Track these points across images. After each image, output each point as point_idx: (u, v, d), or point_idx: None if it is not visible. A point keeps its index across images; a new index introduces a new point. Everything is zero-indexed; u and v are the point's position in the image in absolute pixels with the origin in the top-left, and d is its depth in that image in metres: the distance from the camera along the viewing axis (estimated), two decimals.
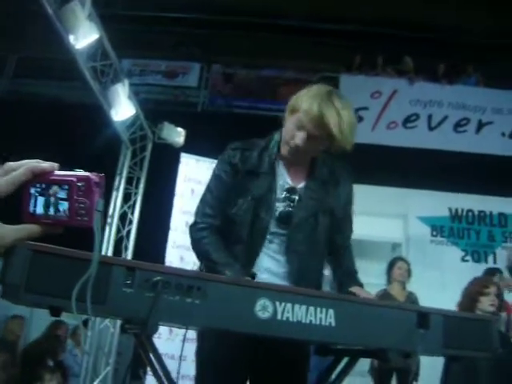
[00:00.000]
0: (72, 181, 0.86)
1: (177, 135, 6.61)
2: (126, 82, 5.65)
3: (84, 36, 4.82)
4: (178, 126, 6.88)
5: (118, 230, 6.42)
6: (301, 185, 2.32)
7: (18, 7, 7.86)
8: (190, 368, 3.01)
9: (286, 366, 2.24)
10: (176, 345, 4.88)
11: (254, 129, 2.50)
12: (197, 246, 2.29)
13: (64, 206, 0.86)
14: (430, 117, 8.48)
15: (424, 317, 1.94)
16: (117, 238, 6.31)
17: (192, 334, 2.06)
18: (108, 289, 1.61)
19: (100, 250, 0.92)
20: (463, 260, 7.68)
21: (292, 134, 2.21)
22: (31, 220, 0.86)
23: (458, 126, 8.48)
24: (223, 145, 2.42)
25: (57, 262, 1.57)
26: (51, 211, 0.85)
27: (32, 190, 0.86)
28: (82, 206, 0.85)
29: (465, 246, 7.78)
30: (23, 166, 0.86)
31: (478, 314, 3.85)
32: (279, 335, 1.75)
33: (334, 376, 2.21)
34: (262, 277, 2.19)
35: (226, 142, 2.42)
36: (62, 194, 0.85)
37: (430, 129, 8.43)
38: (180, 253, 5.39)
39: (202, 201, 2.36)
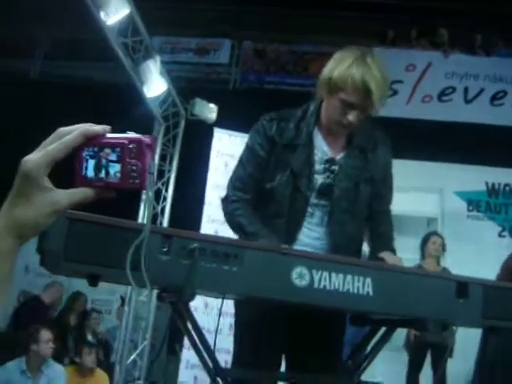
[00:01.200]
0: (124, 143, 0.85)
1: (209, 111, 6.61)
2: (158, 58, 5.64)
3: (115, 11, 4.82)
4: (210, 102, 6.87)
5: (153, 208, 6.47)
6: (340, 155, 2.29)
7: None
8: (225, 341, 3.04)
9: (321, 335, 2.23)
10: (212, 318, 4.92)
11: (286, 104, 2.46)
12: (230, 218, 2.29)
13: (115, 168, 0.85)
14: (465, 90, 8.29)
15: (463, 286, 1.91)
16: (152, 214, 6.36)
17: (227, 307, 2.06)
18: (145, 256, 1.62)
19: (151, 213, 0.92)
20: (500, 235, 7.55)
21: (341, 111, 2.16)
22: (84, 184, 0.85)
23: (495, 98, 8.28)
24: (255, 120, 2.39)
25: (94, 229, 1.58)
26: (102, 174, 0.85)
27: (84, 154, 0.85)
28: (134, 168, 0.84)
29: (502, 221, 7.63)
30: (76, 130, 0.85)
31: None
32: (316, 303, 1.75)
33: (369, 347, 2.21)
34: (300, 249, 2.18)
35: (258, 118, 2.38)
36: (113, 157, 0.85)
37: (466, 102, 8.26)
38: (215, 227, 5.40)
39: (234, 174, 2.35)
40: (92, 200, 0.85)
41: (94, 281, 1.67)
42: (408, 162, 6.65)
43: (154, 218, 6.33)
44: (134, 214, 6.13)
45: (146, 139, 0.86)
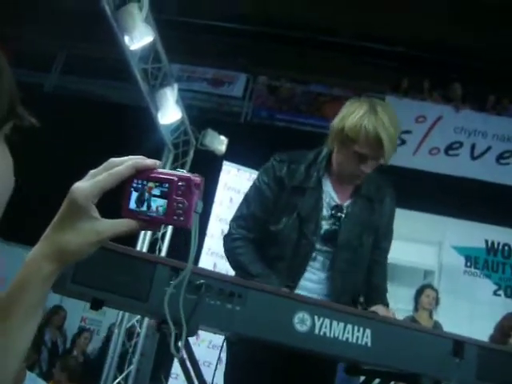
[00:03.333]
0: (173, 180, 0.86)
1: (219, 143, 6.67)
2: (175, 86, 5.72)
3: (139, 38, 4.90)
4: (220, 134, 6.93)
5: (154, 232, 6.48)
6: (347, 202, 2.31)
7: (75, 5, 8.02)
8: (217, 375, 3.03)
9: (312, 380, 2.23)
10: (202, 350, 4.90)
11: (296, 143, 2.49)
12: (231, 256, 2.29)
13: (157, 203, 0.86)
14: (473, 146, 8.36)
15: (459, 345, 1.92)
16: (152, 240, 6.37)
17: (219, 341, 2.07)
18: (151, 287, 1.64)
19: (194, 253, 0.93)
20: (495, 294, 7.53)
21: (355, 162, 2.18)
22: (129, 215, 0.87)
23: (501, 157, 8.35)
24: (264, 156, 2.40)
25: (105, 255, 1.60)
26: (144, 208, 0.86)
27: (131, 186, 0.87)
28: (181, 205, 0.85)
29: (498, 280, 7.63)
30: (127, 162, 0.86)
31: None
32: (315, 350, 1.76)
33: None
34: (301, 293, 2.19)
35: (268, 154, 2.39)
36: (157, 192, 0.86)
37: (473, 158, 8.32)
38: (214, 260, 5.42)
39: (238, 212, 2.35)
40: (136, 232, 0.87)
41: (97, 305, 1.69)
42: (410, 212, 6.68)
43: (154, 243, 6.34)
44: (133, 240, 6.14)
45: (196, 178, 0.87)
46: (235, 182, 6.04)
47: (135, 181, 0.87)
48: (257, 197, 2.31)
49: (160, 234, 6.53)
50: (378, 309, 2.15)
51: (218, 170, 6.28)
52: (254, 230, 2.28)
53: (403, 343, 1.86)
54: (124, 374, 6.21)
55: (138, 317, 6.30)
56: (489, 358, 1.97)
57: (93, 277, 1.61)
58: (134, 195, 0.87)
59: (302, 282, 2.24)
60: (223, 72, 9.65)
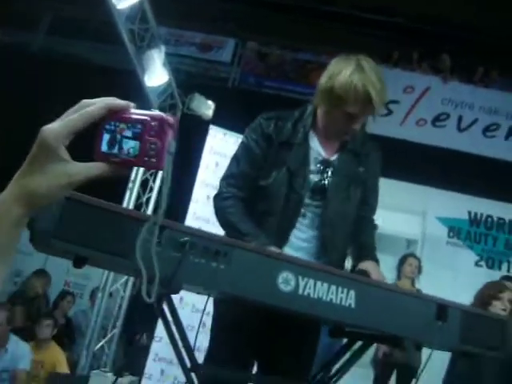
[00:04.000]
0: (146, 120, 0.83)
1: (206, 107, 6.60)
2: (163, 48, 5.63)
3: None
4: (207, 99, 6.86)
5: (138, 196, 6.44)
6: (334, 157, 2.32)
7: None
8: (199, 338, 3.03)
9: (295, 343, 2.25)
10: (186, 314, 4.91)
11: (283, 110, 2.48)
12: (221, 215, 2.29)
13: (129, 144, 0.83)
14: (460, 118, 8.36)
15: (443, 309, 1.93)
16: (136, 204, 6.33)
17: (201, 305, 2.06)
18: (134, 244, 1.62)
19: (167, 196, 0.90)
20: (477, 265, 7.62)
21: (345, 122, 2.19)
22: (101, 158, 0.83)
23: (488, 130, 8.36)
24: (251, 122, 2.40)
25: (89, 211, 1.58)
26: (115, 150, 0.83)
27: (103, 128, 0.84)
28: (153, 146, 0.83)
29: (480, 251, 7.71)
30: (99, 103, 0.83)
31: (494, 312, 3.82)
32: (299, 310, 1.76)
33: (343, 360, 2.22)
34: (290, 251, 2.19)
35: (254, 119, 2.40)
36: (129, 133, 0.83)
37: (459, 130, 8.33)
38: (199, 224, 5.38)
39: (228, 171, 2.35)
40: (108, 176, 0.84)
41: (79, 263, 1.67)
42: (395, 182, 6.69)
43: (139, 207, 6.31)
44: (119, 199, 6.11)
45: (169, 118, 0.85)
46: (221, 147, 5.98)
47: (107, 122, 0.84)
48: (245, 154, 2.30)
49: (145, 198, 6.50)
50: (370, 266, 2.16)
51: (204, 134, 6.22)
52: (244, 188, 2.28)
53: (387, 306, 1.87)
54: (107, 338, 6.23)
55: (122, 281, 6.30)
56: (472, 322, 1.99)
57: (76, 233, 1.58)
58: (106, 137, 0.84)
59: (293, 240, 2.24)
60: (212, 37, 9.53)
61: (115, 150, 0.83)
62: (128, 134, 0.83)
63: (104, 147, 0.83)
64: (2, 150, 7.59)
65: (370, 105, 2.12)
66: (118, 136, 0.83)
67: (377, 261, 2.26)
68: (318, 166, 2.28)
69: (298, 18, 9.48)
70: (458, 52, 8.68)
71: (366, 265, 2.17)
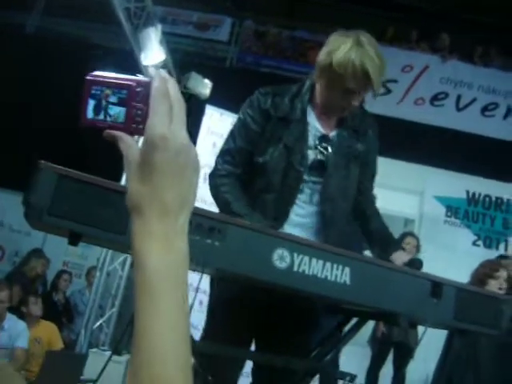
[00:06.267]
0: (131, 85, 0.80)
1: (203, 87, 6.53)
2: (159, 26, 5.59)
3: None
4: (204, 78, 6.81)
5: None
6: (332, 133, 2.30)
7: None
8: (193, 316, 3.05)
9: (293, 320, 2.25)
10: None
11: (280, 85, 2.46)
12: (216, 193, 2.27)
13: (114, 110, 0.81)
14: (458, 97, 8.34)
15: (438, 286, 1.94)
16: None
17: (201, 284, 2.06)
18: (129, 220, 1.61)
19: None
20: (474, 244, 7.65)
21: (342, 97, 2.18)
22: (87, 124, 0.81)
23: (486, 109, 8.34)
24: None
25: (83, 188, 1.57)
26: (101, 116, 0.81)
27: (90, 93, 0.81)
28: (139, 112, 0.79)
29: (478, 230, 7.73)
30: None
31: (490, 290, 3.83)
32: (294, 286, 1.76)
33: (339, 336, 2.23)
34: (288, 228, 2.19)
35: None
36: (114, 99, 0.80)
37: (458, 109, 8.31)
38: (196, 204, 5.35)
39: (224, 147, 2.32)
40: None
41: (74, 240, 1.67)
42: (392, 160, 6.68)
43: None
44: (117, 178, 6.09)
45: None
46: (218, 127, 5.93)
47: (92, 87, 0.82)
48: (242, 130, 2.28)
49: None
50: (399, 255, 2.20)
51: (201, 114, 6.19)
52: (240, 165, 2.26)
53: (382, 282, 1.87)
54: (106, 317, 6.26)
55: (120, 260, 6.32)
56: (466, 300, 1.99)
57: (70, 210, 1.57)
58: (92, 103, 0.81)
59: (292, 217, 2.23)
60: (209, 16, 9.46)
61: (101, 116, 0.81)
62: (114, 99, 0.81)
63: (90, 113, 0.82)
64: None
65: (369, 81, 2.11)
66: (104, 102, 0.81)
67: (403, 248, 2.30)
68: (317, 142, 2.26)
69: None
70: (457, 31, 8.63)
71: (395, 256, 2.21)
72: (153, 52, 5.76)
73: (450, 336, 3.83)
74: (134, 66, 5.96)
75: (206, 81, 6.48)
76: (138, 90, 0.80)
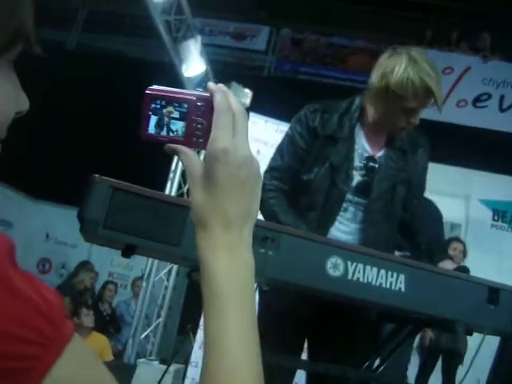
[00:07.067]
0: (192, 100, 0.81)
1: (244, 96, 6.57)
2: (199, 38, 5.64)
3: None
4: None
5: (180, 187, 6.48)
6: (380, 153, 2.28)
7: None
8: None
9: (345, 330, 2.22)
10: None
11: (320, 96, 2.44)
12: (264, 206, 2.26)
13: (176, 125, 0.82)
14: (501, 98, 8.19)
15: (495, 292, 1.89)
16: (177, 194, 6.38)
17: None
18: (183, 232, 1.63)
19: None
20: None
21: (403, 117, 2.16)
22: (149, 139, 0.83)
23: None
24: (289, 110, 2.38)
25: (135, 200, 1.59)
26: (164, 132, 0.82)
27: (150, 109, 0.82)
28: (199, 127, 0.81)
29: None
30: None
31: None
32: (348, 294, 1.74)
33: (393, 344, 2.20)
34: None
35: (292, 108, 2.37)
36: (176, 115, 0.82)
37: (501, 110, 8.15)
38: None
39: (272, 163, 2.32)
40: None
41: (128, 252, 1.68)
42: (436, 165, 6.50)
43: (180, 197, 6.35)
44: (160, 190, 6.16)
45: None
46: (263, 134, 5.91)
47: (153, 101, 0.83)
48: (290, 147, 2.28)
49: (186, 189, 6.53)
50: (445, 265, 2.20)
51: None
52: (287, 182, 2.27)
53: (437, 289, 1.84)
54: (152, 327, 6.31)
55: (166, 270, 6.37)
56: None
57: (124, 223, 1.59)
58: (154, 118, 0.82)
59: (333, 232, 2.22)
60: (246, 25, 9.52)
61: (162, 131, 0.82)
62: (175, 114, 0.82)
63: (152, 129, 0.83)
64: (45, 144, 7.74)
65: (431, 97, 2.09)
66: (166, 117, 0.82)
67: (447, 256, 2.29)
68: (364, 162, 2.24)
69: (329, 2, 9.40)
70: (498, 30, 8.48)
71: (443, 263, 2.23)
72: (194, 63, 5.81)
73: (504, 343, 3.73)
74: (173, 79, 6.04)
75: (247, 90, 6.52)
76: (199, 104, 0.81)
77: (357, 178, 2.23)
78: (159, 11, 5.12)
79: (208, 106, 0.80)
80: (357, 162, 2.24)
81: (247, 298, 0.75)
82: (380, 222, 2.23)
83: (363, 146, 2.26)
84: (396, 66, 2.09)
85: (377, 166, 2.24)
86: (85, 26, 10.01)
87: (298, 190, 2.26)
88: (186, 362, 5.33)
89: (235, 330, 0.71)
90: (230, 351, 0.70)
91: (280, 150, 2.32)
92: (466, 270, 2.10)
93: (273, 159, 2.33)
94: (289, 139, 2.30)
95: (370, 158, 2.25)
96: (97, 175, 1.60)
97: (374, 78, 2.17)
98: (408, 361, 3.92)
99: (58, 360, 0.56)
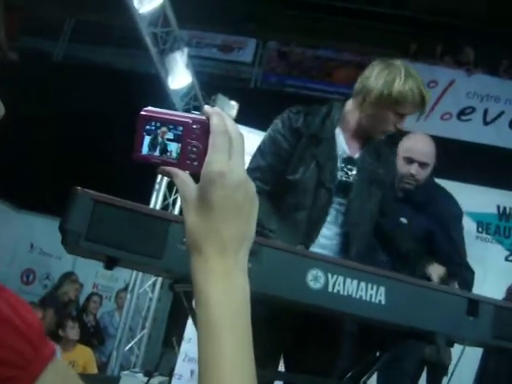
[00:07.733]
0: (187, 122, 0.81)
1: (230, 108, 6.59)
2: (185, 50, 5.67)
3: (148, 0, 4.84)
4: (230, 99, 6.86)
5: (165, 198, 6.47)
6: (357, 155, 2.35)
7: None
8: None
9: (323, 341, 2.23)
10: None
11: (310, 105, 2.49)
12: None
13: (170, 147, 0.81)
14: (485, 111, 8.26)
15: (474, 304, 1.91)
16: (163, 206, 6.37)
17: None
18: (165, 245, 1.63)
19: None
20: (507, 260, 7.49)
21: (393, 122, 2.28)
22: (142, 160, 0.82)
23: None
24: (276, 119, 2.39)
25: (117, 213, 1.59)
26: (157, 152, 0.82)
27: (145, 130, 0.82)
28: (194, 149, 0.80)
29: (510, 245, 7.58)
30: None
31: None
32: (329, 307, 1.76)
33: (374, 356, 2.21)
34: (315, 250, 2.19)
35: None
36: (171, 135, 0.81)
37: (485, 123, 8.23)
38: None
39: (252, 164, 2.32)
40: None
41: (111, 264, 1.69)
42: None
43: (166, 208, 6.34)
44: (146, 201, 6.14)
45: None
46: (247, 145, 5.93)
47: (147, 123, 0.84)
48: (272, 147, 2.30)
49: (171, 200, 6.53)
50: (436, 269, 2.29)
51: None
52: (269, 182, 2.28)
53: (417, 301, 1.85)
54: (137, 339, 6.28)
55: (150, 282, 6.34)
56: (504, 317, 1.95)
57: (106, 235, 1.60)
58: (147, 139, 0.83)
59: (319, 238, 2.23)
60: (233, 38, 9.56)
61: (156, 153, 0.82)
62: (169, 136, 0.82)
63: (145, 149, 0.83)
64: (30, 154, 7.70)
65: (423, 105, 2.26)
66: (160, 138, 0.82)
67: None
68: (343, 163, 2.30)
69: (316, 15, 9.48)
70: (481, 44, 8.58)
71: (432, 268, 2.30)
72: (180, 75, 5.82)
73: (486, 354, 3.76)
74: (159, 90, 6.05)
75: (233, 102, 6.54)
76: (194, 127, 0.81)
77: (338, 178, 2.29)
78: (146, 23, 5.14)
79: (203, 129, 0.79)
80: (338, 163, 2.30)
81: (242, 323, 0.73)
82: (359, 221, 2.29)
83: (343, 147, 2.33)
84: (396, 77, 2.22)
85: (355, 167, 2.31)
86: (71, 37, 9.99)
87: (283, 190, 2.27)
88: (170, 374, 5.29)
89: (229, 357, 0.69)
90: (223, 379, 0.68)
91: (261, 150, 2.33)
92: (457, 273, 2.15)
93: (253, 160, 2.33)
94: (270, 139, 2.32)
95: (349, 159, 2.32)
96: (79, 188, 1.60)
97: (374, 86, 2.25)
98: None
99: (37, 382, 0.56)
